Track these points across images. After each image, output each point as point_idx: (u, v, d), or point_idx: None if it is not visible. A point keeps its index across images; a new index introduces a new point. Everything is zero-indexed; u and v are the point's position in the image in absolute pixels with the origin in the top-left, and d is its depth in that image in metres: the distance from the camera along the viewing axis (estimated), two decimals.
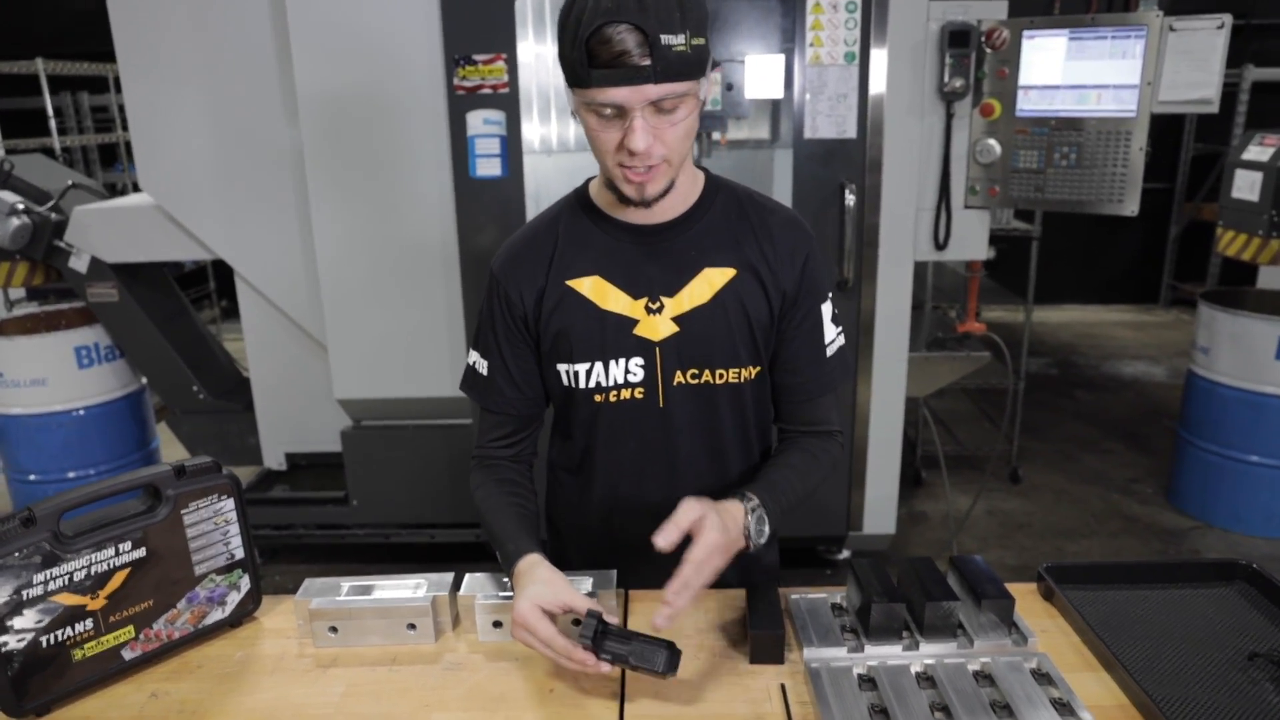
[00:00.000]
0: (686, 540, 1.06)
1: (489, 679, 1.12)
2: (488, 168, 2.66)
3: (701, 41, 1.03)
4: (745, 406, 1.26)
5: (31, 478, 3.27)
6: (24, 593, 1.05)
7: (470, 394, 1.31)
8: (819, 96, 2.60)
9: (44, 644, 1.07)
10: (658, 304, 1.19)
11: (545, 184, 2.87)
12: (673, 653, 1.04)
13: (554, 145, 2.95)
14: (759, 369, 1.25)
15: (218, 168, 2.91)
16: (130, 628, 1.14)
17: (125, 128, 5.84)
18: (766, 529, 1.14)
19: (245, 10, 2.77)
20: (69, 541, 1.08)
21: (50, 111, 5.45)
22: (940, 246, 2.80)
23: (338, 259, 2.85)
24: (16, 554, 1.04)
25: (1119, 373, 5.34)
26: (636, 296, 1.19)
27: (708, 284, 1.19)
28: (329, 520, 3.15)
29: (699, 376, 1.22)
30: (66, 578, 1.08)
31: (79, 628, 1.10)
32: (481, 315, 1.28)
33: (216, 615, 1.23)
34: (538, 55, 2.77)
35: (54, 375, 3.17)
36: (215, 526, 1.22)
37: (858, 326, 2.78)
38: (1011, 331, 4.09)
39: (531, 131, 2.85)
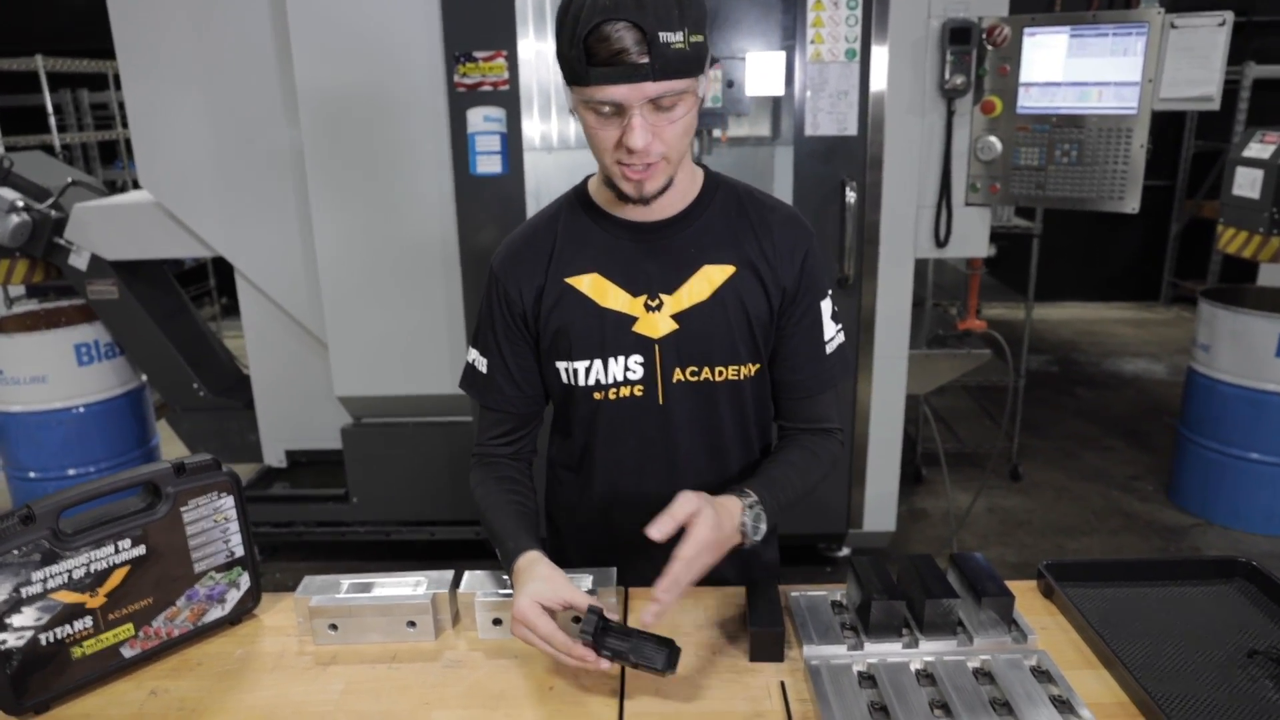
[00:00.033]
0: (681, 534, 1.06)
1: (489, 676, 1.12)
2: (488, 165, 2.66)
3: (700, 39, 1.03)
4: (745, 404, 1.26)
5: (31, 475, 3.27)
6: (23, 590, 1.05)
7: (470, 392, 1.30)
8: (820, 93, 2.59)
9: (43, 642, 1.07)
10: (657, 301, 1.19)
11: (546, 181, 2.87)
12: (673, 650, 1.04)
13: (554, 142, 2.94)
14: (759, 366, 1.24)
15: (218, 165, 2.91)
16: (130, 625, 1.14)
17: (125, 125, 5.85)
18: (763, 525, 1.14)
19: (245, 8, 2.76)
20: (68, 539, 1.08)
21: (50, 108, 5.45)
22: (941, 244, 2.79)
23: (338, 256, 2.85)
24: (16, 551, 1.04)
25: (1120, 370, 5.33)
26: (636, 294, 1.19)
27: (707, 281, 1.19)
28: (329, 518, 3.16)
29: (698, 374, 1.21)
30: (66, 575, 1.08)
31: (78, 625, 1.10)
32: (481, 313, 1.27)
33: (216, 613, 1.23)
34: (538, 52, 2.77)
35: (54, 372, 3.17)
36: (215, 524, 1.22)
37: (858, 324, 2.78)
38: (1012, 329, 4.09)
39: (532, 128, 2.85)
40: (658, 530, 1.04)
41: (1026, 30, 2.59)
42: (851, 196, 2.63)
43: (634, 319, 1.19)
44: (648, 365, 1.20)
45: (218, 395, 3.34)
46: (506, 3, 2.52)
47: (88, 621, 1.11)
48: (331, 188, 2.79)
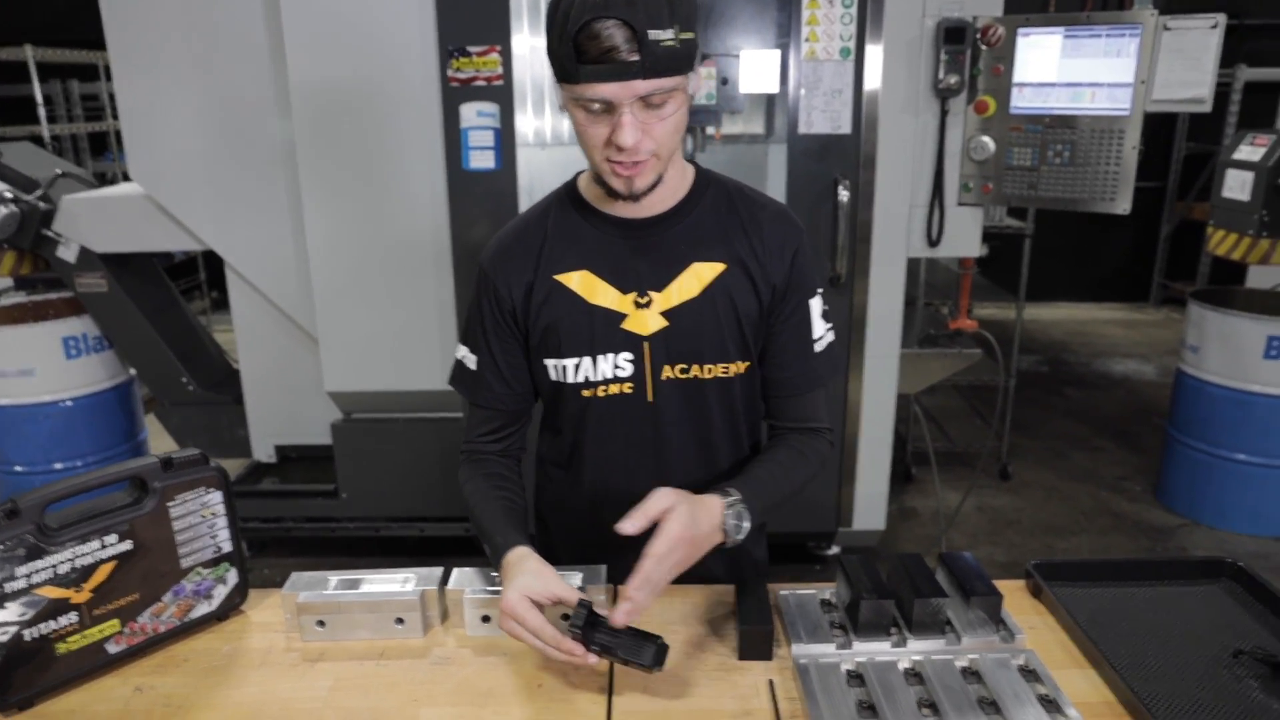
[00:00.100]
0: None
1: (477, 673, 1.12)
2: (481, 160, 2.65)
3: (690, 36, 1.03)
4: (734, 401, 1.26)
5: (17, 469, 3.25)
6: (7, 586, 1.04)
7: (459, 389, 1.30)
8: (814, 92, 2.59)
9: (27, 638, 1.06)
10: (646, 298, 1.18)
11: (539, 177, 2.86)
12: (661, 648, 1.04)
13: (548, 138, 2.94)
14: (748, 364, 1.24)
15: (209, 158, 2.89)
16: (115, 621, 1.14)
17: (115, 116, 5.79)
18: (746, 524, 1.13)
19: None
20: (53, 534, 1.07)
21: (40, 99, 5.41)
22: (933, 243, 2.80)
23: (329, 250, 2.84)
24: (0, 546, 1.03)
25: (1109, 371, 5.36)
26: (625, 291, 1.19)
27: (696, 278, 1.19)
28: (318, 513, 3.14)
29: (687, 371, 1.21)
30: (50, 570, 1.07)
31: (63, 621, 1.09)
32: (470, 310, 1.27)
33: (203, 609, 1.22)
34: (532, 47, 2.76)
35: (41, 366, 3.15)
36: (202, 519, 1.21)
37: (850, 322, 2.78)
38: (1003, 329, 4.09)
39: (525, 124, 2.84)
40: (630, 525, 1.04)
41: (1020, 30, 2.60)
42: (844, 195, 2.63)
43: (623, 316, 1.18)
44: (637, 362, 1.20)
45: (207, 390, 3.32)
46: None
47: (73, 617, 1.10)
48: (323, 181, 2.78)
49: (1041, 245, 4.30)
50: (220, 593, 1.24)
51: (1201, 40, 2.45)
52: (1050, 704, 1.01)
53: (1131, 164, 2.58)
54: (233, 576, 1.25)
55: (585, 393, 1.22)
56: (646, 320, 1.19)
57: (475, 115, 2.61)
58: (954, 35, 2.59)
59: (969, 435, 4.31)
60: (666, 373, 1.21)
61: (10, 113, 5.86)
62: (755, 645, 1.13)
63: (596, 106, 1.04)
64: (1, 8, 6.48)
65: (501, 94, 2.59)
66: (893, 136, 2.67)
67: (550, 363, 1.22)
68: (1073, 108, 2.61)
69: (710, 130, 2.76)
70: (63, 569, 1.08)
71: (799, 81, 2.59)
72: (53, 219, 3.06)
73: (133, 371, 3.42)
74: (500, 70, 2.56)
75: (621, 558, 1.23)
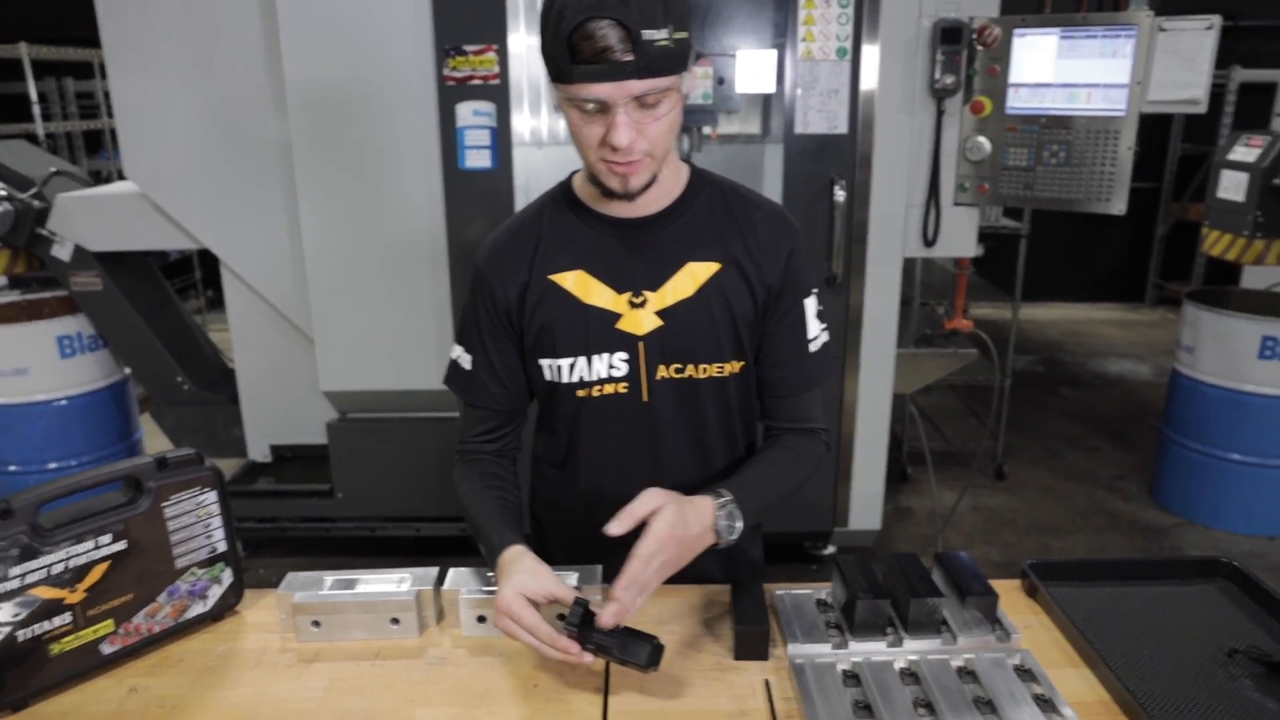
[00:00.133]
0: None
1: (473, 674, 1.12)
2: (477, 159, 2.64)
3: (684, 35, 1.02)
4: (729, 401, 1.26)
5: (11, 468, 3.24)
6: (0, 586, 1.04)
7: (454, 389, 1.30)
8: (810, 92, 2.59)
9: (20, 638, 1.06)
10: (641, 298, 1.18)
11: (535, 176, 2.86)
12: (656, 647, 1.04)
13: (544, 137, 2.93)
14: (743, 364, 1.24)
15: (204, 156, 2.88)
16: (109, 622, 1.13)
17: (110, 114, 5.78)
18: (739, 525, 1.13)
19: None
20: (47, 534, 1.07)
21: (34, 97, 5.38)
22: (929, 243, 2.80)
23: (325, 250, 2.83)
24: None
25: (1105, 371, 5.37)
26: (620, 291, 1.18)
27: (691, 278, 1.19)
28: (314, 513, 3.14)
29: (682, 371, 1.21)
30: (44, 571, 1.07)
31: (57, 621, 1.09)
32: (465, 310, 1.27)
33: (198, 609, 1.22)
34: (529, 46, 2.76)
35: (36, 365, 3.14)
36: (197, 519, 1.21)
37: (846, 322, 2.79)
38: (999, 329, 4.10)
39: (521, 123, 2.84)
40: (617, 525, 1.04)
41: (1016, 31, 2.60)
42: (840, 195, 2.63)
43: (618, 316, 1.18)
44: (631, 362, 1.20)
45: (202, 389, 3.31)
46: None
47: (66, 617, 1.09)
48: (319, 180, 2.77)
49: (1037, 245, 4.30)
50: (215, 593, 1.24)
51: (1197, 41, 2.46)
52: (1046, 703, 1.02)
53: (1127, 164, 2.59)
54: (228, 577, 1.25)
55: (580, 393, 1.22)
56: (641, 320, 1.18)
57: (471, 114, 2.61)
58: (950, 36, 2.59)
59: (965, 435, 4.32)
60: (661, 372, 1.21)
61: (5, 110, 5.84)
62: (751, 645, 1.13)
63: (591, 106, 1.03)
64: None
65: (498, 93, 2.58)
66: (889, 137, 2.67)
67: (545, 363, 1.22)
68: (1068, 108, 2.62)
69: (707, 130, 2.76)
70: (57, 569, 1.08)
71: (795, 81, 2.59)
72: (47, 217, 3.05)
73: (127, 371, 3.41)
74: (496, 69, 2.56)
75: (616, 557, 1.23)
